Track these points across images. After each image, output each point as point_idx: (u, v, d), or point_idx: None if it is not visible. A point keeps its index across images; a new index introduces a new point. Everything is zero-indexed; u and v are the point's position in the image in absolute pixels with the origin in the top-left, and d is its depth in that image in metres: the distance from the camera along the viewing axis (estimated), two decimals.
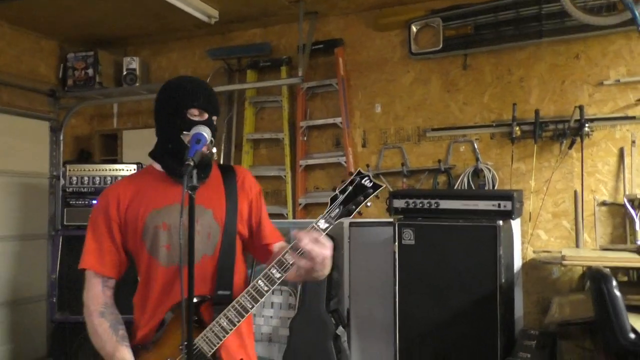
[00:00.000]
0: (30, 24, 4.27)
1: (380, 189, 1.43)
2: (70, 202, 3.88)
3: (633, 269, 3.06)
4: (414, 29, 3.83)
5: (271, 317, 3.87)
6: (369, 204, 1.46)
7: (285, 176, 4.19)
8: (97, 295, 1.54)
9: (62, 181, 4.04)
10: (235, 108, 4.45)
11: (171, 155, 1.55)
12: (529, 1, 3.48)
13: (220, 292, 1.50)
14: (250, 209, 1.64)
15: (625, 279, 3.16)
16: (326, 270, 1.45)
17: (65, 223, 3.87)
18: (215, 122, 1.57)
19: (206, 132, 1.43)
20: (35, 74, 4.51)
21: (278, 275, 1.42)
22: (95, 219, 1.57)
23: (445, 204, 3.16)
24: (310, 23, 4.07)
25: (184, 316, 1.25)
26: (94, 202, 3.86)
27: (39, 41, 4.53)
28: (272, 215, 1.78)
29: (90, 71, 4.57)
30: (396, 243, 3.21)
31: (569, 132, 3.37)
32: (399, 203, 3.28)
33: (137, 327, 1.56)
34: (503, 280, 2.97)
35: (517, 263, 3.43)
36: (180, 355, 1.43)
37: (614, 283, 2.22)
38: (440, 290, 3.09)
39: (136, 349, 1.49)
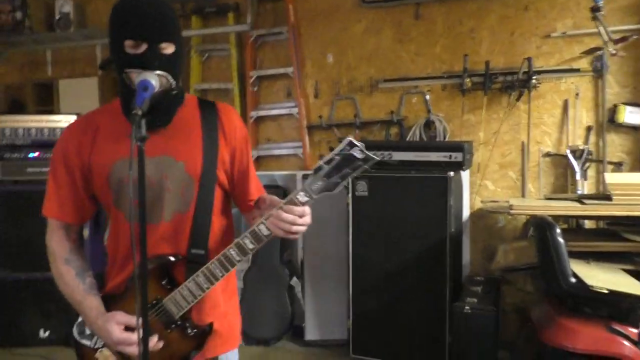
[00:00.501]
0: None
1: (373, 161, 1.24)
2: (4, 156, 3.64)
3: (574, 217, 3.21)
4: None
5: None
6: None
7: None
8: (61, 241, 1.45)
9: None
10: None
11: (124, 98, 1.39)
12: None
13: (193, 251, 1.41)
14: (233, 157, 1.48)
15: (565, 226, 3.33)
16: (298, 237, 1.37)
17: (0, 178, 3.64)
18: (167, 50, 1.32)
19: (153, 79, 1.26)
20: None
21: (251, 246, 1.33)
22: (55, 164, 1.44)
23: (398, 156, 3.19)
24: None
25: (137, 286, 1.17)
26: (30, 155, 3.65)
27: None
28: None
29: (18, 14, 4.22)
30: (350, 194, 3.23)
31: (517, 84, 3.42)
32: None
33: (109, 275, 1.48)
34: (452, 230, 3.06)
35: (466, 213, 3.54)
36: (149, 313, 1.36)
37: (558, 230, 2.32)
38: (392, 240, 3.16)
39: (106, 299, 1.42)
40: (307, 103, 4.01)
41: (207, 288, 1.37)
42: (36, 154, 3.65)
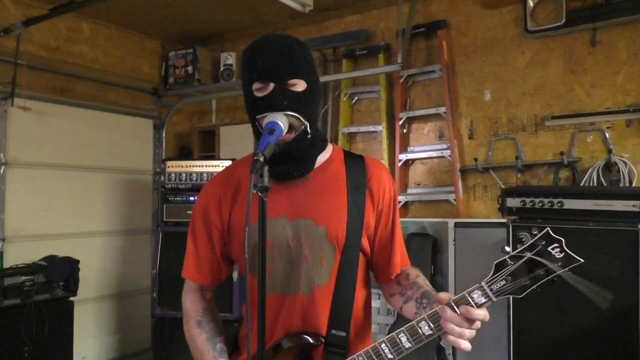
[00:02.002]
0: (133, 24, 4.39)
1: (576, 264, 1.00)
2: (169, 198, 3.91)
3: None
4: (530, 2, 3.35)
5: None
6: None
7: None
8: (196, 302, 1.39)
9: (162, 178, 4.11)
10: (331, 100, 4.24)
11: None
12: None
13: (334, 332, 1.22)
14: (378, 221, 1.30)
15: None
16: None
17: (164, 219, 3.91)
18: (297, 87, 1.20)
19: (281, 120, 1.14)
20: (139, 73, 4.64)
21: (408, 345, 1.11)
22: (195, 222, 1.37)
23: (571, 204, 2.70)
24: (410, 5, 3.74)
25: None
26: (191, 198, 3.87)
27: (142, 41, 4.66)
28: None
29: (189, 68, 4.62)
30: (510, 247, 2.81)
31: None
32: (513, 202, 2.87)
33: (244, 340, 1.37)
34: None
35: None
36: None
37: None
38: (564, 303, 2.65)
39: None
40: (461, 144, 3.69)
41: None
42: (195, 197, 3.86)
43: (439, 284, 3.37)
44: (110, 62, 4.38)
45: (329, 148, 1.36)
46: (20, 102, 3.61)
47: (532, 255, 0.99)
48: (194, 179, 3.92)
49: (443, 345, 3.28)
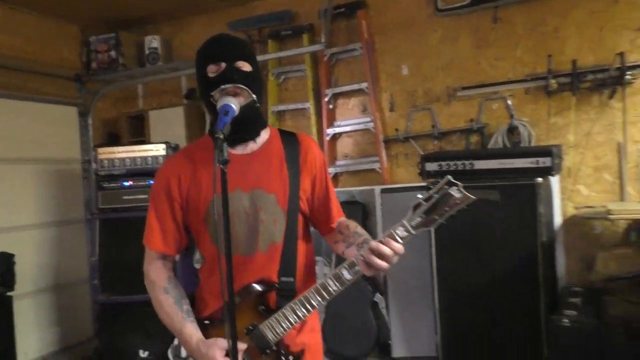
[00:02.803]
0: (50, 8, 4.25)
1: (471, 200, 1.27)
2: (104, 186, 3.91)
3: None
4: None
5: None
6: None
7: None
8: (159, 271, 1.53)
9: (93, 165, 4.09)
10: None
11: (213, 125, 1.45)
12: None
13: (283, 279, 1.47)
14: (313, 184, 1.55)
15: None
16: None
17: (100, 206, 3.92)
18: (244, 67, 1.44)
19: (232, 102, 1.35)
20: (60, 59, 4.52)
21: (349, 277, 1.35)
22: (157, 196, 1.53)
23: (481, 165, 3.07)
24: None
25: (227, 318, 1.22)
26: (126, 184, 3.90)
27: (61, 26, 4.53)
28: None
29: (113, 53, 4.56)
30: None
31: (609, 81, 3.20)
32: (431, 166, 3.19)
33: (205, 304, 1.54)
34: (544, 239, 2.89)
35: (558, 220, 3.32)
36: (244, 338, 1.42)
37: None
38: (478, 251, 3.03)
39: (202, 324, 1.48)
40: (383, 117, 3.99)
41: (304, 316, 1.40)
42: (130, 182, 3.90)
43: None
44: (28, 49, 4.23)
45: (268, 129, 1.58)
46: None
47: (439, 196, 1.28)
48: (128, 164, 3.94)
49: (377, 300, 3.61)
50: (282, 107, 4.33)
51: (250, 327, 1.43)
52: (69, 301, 4.35)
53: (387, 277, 3.54)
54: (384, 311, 3.62)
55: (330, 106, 4.13)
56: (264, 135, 1.56)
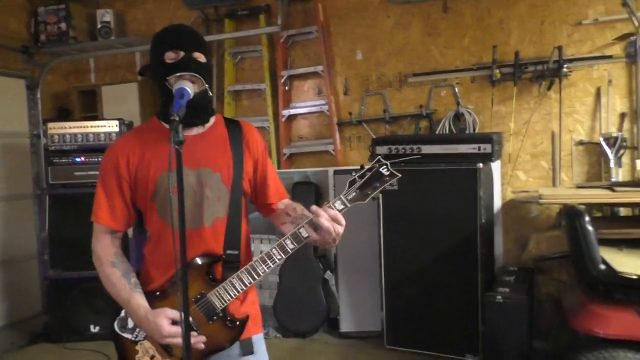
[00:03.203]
0: None
1: (397, 178, 1.47)
2: (54, 161, 3.86)
3: (606, 204, 3.17)
4: None
5: None
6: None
7: (268, 127, 4.20)
8: (107, 246, 1.58)
9: (43, 140, 4.01)
10: (215, 59, 4.38)
11: (166, 107, 1.52)
12: None
13: (229, 252, 1.57)
14: (255, 167, 1.67)
15: (600, 214, 3.29)
16: (337, 242, 1.52)
17: (50, 182, 3.87)
18: (200, 59, 1.53)
19: (188, 86, 1.42)
20: (6, 30, 4.37)
21: (292, 246, 1.49)
22: (106, 174, 1.59)
23: (427, 149, 3.22)
24: None
25: (180, 285, 1.29)
26: (78, 159, 3.86)
27: None
28: None
29: (63, 25, 4.45)
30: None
31: (548, 73, 3.41)
32: (381, 149, 3.33)
33: (151, 278, 1.60)
34: (483, 220, 3.08)
35: (497, 203, 3.54)
36: (192, 306, 1.51)
37: (587, 218, 2.31)
38: (424, 232, 3.21)
39: (150, 296, 1.54)
40: (337, 100, 4.09)
41: (250, 284, 1.52)
42: (82, 158, 3.86)
43: None
44: None
45: (214, 117, 1.69)
46: None
47: (370, 173, 1.47)
48: (80, 140, 3.89)
49: (327, 278, 3.75)
50: (238, 87, 4.35)
51: (198, 296, 1.52)
52: (17, 276, 4.28)
53: (336, 254, 3.69)
54: (333, 288, 3.77)
55: (286, 87, 4.19)
56: (211, 120, 1.66)
